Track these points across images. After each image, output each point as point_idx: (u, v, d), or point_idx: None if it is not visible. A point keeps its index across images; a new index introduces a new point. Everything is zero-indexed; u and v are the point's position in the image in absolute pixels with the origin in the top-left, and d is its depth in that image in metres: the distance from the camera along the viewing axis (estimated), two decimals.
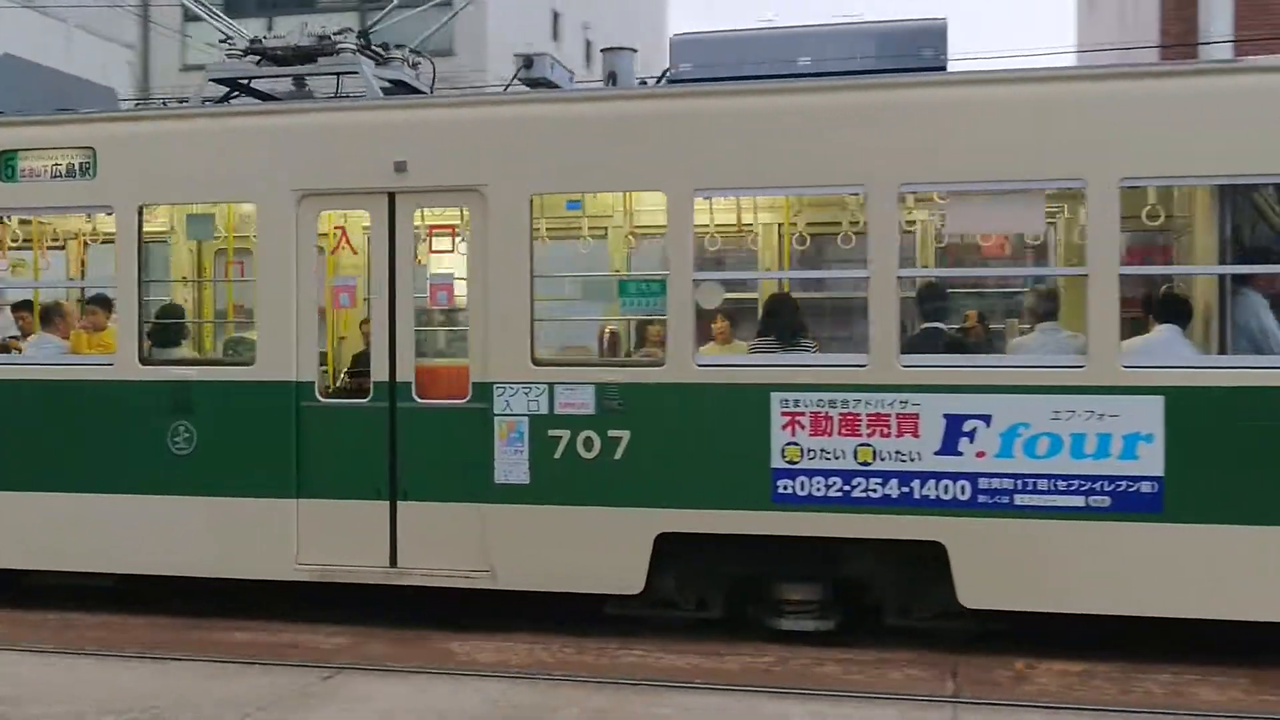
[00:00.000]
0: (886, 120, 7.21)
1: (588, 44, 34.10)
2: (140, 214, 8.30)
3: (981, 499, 7.14)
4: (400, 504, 7.88)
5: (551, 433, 7.61)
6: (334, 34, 8.65)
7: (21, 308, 9.42)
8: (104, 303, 8.94)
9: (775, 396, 7.34)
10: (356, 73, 8.49)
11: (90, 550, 8.29)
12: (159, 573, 8.28)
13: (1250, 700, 6.37)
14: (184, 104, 8.91)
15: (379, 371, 7.95)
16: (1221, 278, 7.30)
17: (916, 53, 7.57)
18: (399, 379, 7.90)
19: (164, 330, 8.79)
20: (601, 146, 7.59)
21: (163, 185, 8.27)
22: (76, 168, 8.33)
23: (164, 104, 9.61)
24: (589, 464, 7.56)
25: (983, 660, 7.14)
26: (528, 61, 8.44)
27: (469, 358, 7.86)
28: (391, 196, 7.89)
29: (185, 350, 9.06)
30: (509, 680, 6.86)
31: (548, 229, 8.23)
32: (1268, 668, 6.82)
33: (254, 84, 8.83)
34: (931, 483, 7.18)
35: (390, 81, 8.46)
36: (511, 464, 7.68)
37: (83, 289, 9.84)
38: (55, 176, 8.37)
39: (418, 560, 7.86)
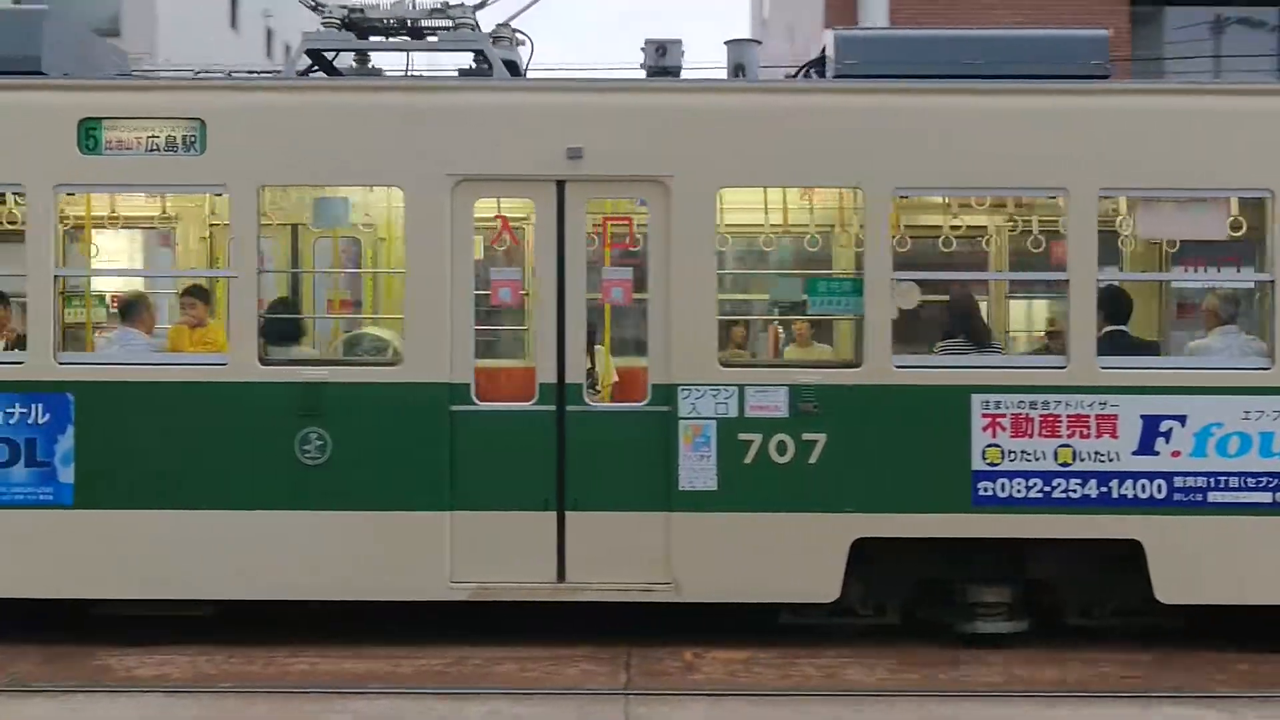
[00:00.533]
0: (1088, 125, 7.30)
1: (269, 32, 33.02)
2: (259, 196, 7.36)
3: (1177, 497, 7.30)
4: (569, 514, 7.37)
5: (742, 436, 7.28)
6: (450, 5, 7.99)
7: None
8: (202, 295, 7.93)
9: (976, 399, 7.30)
10: (481, 50, 7.85)
11: (194, 575, 7.31)
12: (281, 598, 7.40)
13: (893, 679, 6.95)
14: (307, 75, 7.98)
15: (545, 373, 7.38)
16: None
17: (1083, 60, 7.69)
18: (568, 381, 7.36)
19: (279, 327, 7.85)
20: (793, 140, 7.34)
21: (287, 165, 7.41)
22: (180, 141, 7.35)
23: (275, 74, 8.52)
24: (782, 468, 7.29)
25: (655, 651, 7.36)
26: (660, 49, 8.05)
27: (648, 358, 7.41)
28: (561, 185, 7.37)
29: (304, 349, 8.13)
30: (170, 694, 6.63)
31: (728, 225, 7.85)
32: (911, 647, 7.47)
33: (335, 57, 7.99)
34: (1129, 482, 7.29)
35: (498, 64, 7.82)
36: (697, 470, 7.30)
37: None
38: (152, 150, 7.37)
39: (589, 574, 7.38)
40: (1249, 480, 7.33)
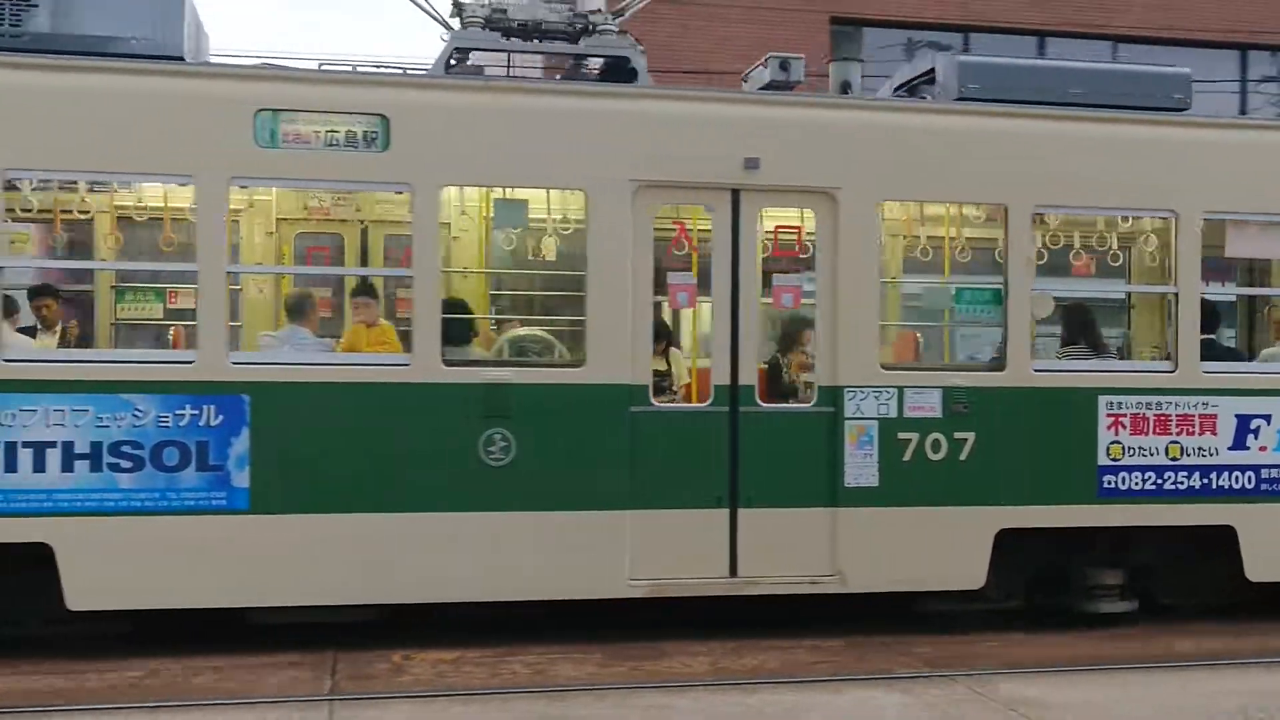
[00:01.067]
0: (1195, 154, 8.15)
1: None
2: (442, 196, 7.34)
3: (1264, 487, 8.25)
4: (741, 511, 7.66)
5: (901, 436, 7.78)
6: (590, 12, 8.15)
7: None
8: (375, 294, 7.75)
9: (1102, 400, 8.02)
10: (626, 57, 8.05)
11: (374, 580, 7.22)
12: (460, 600, 7.39)
13: (603, 673, 7.10)
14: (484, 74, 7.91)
15: (719, 375, 7.66)
16: None
17: (1167, 95, 8.55)
18: (741, 382, 7.66)
19: (457, 328, 7.76)
20: (947, 157, 7.89)
21: (470, 165, 7.40)
22: (361, 137, 7.22)
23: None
24: (936, 465, 7.83)
25: (363, 655, 7.25)
26: (784, 64, 8.44)
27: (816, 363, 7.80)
28: (736, 193, 7.66)
29: (476, 349, 8.03)
30: None
31: (888, 235, 8.29)
32: (618, 642, 7.68)
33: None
34: (1226, 474, 8.19)
35: (643, 71, 8.05)
36: (861, 467, 7.75)
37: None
38: (331, 145, 7.21)
39: (760, 569, 7.69)
40: None
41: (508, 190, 7.77)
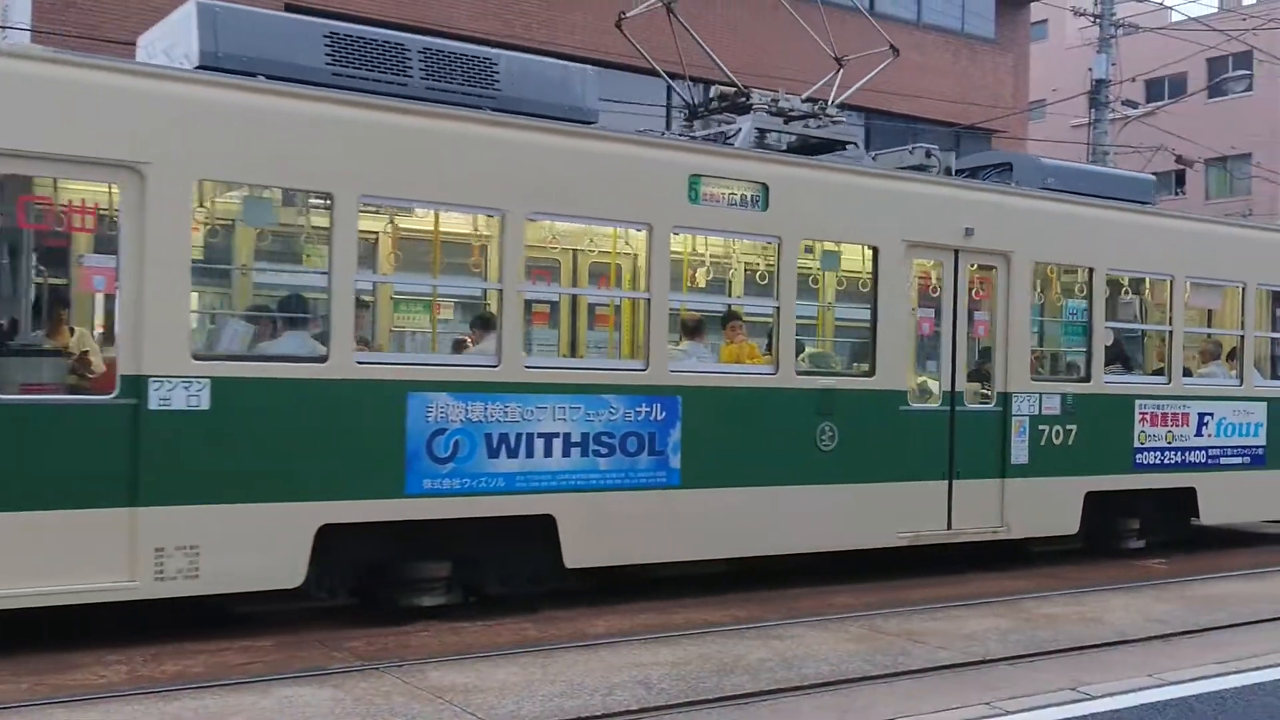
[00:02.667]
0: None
1: None
2: (797, 246, 9.88)
3: (1211, 461, 12.50)
4: (955, 482, 10.74)
5: (1040, 427, 11.21)
6: (829, 103, 10.88)
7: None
8: (742, 320, 9.99)
9: (1137, 403, 11.91)
10: (855, 142, 11.00)
11: (755, 537, 9.73)
12: (801, 551, 10.01)
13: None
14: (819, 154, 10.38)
15: (945, 384, 10.71)
16: None
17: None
18: (957, 389, 10.76)
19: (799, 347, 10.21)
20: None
21: (816, 224, 10.04)
22: (748, 199, 9.59)
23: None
24: (1058, 448, 11.34)
25: None
26: (928, 152, 11.60)
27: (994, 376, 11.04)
28: (957, 252, 10.74)
29: (802, 364, 10.32)
30: None
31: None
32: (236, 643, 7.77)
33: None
34: (1192, 453, 12.34)
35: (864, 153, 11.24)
36: (1019, 449, 11.09)
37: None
38: (731, 204, 9.53)
39: (964, 524, 10.82)
40: (1235, 450, 12.69)
41: (834, 244, 10.33)
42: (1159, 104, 15.95)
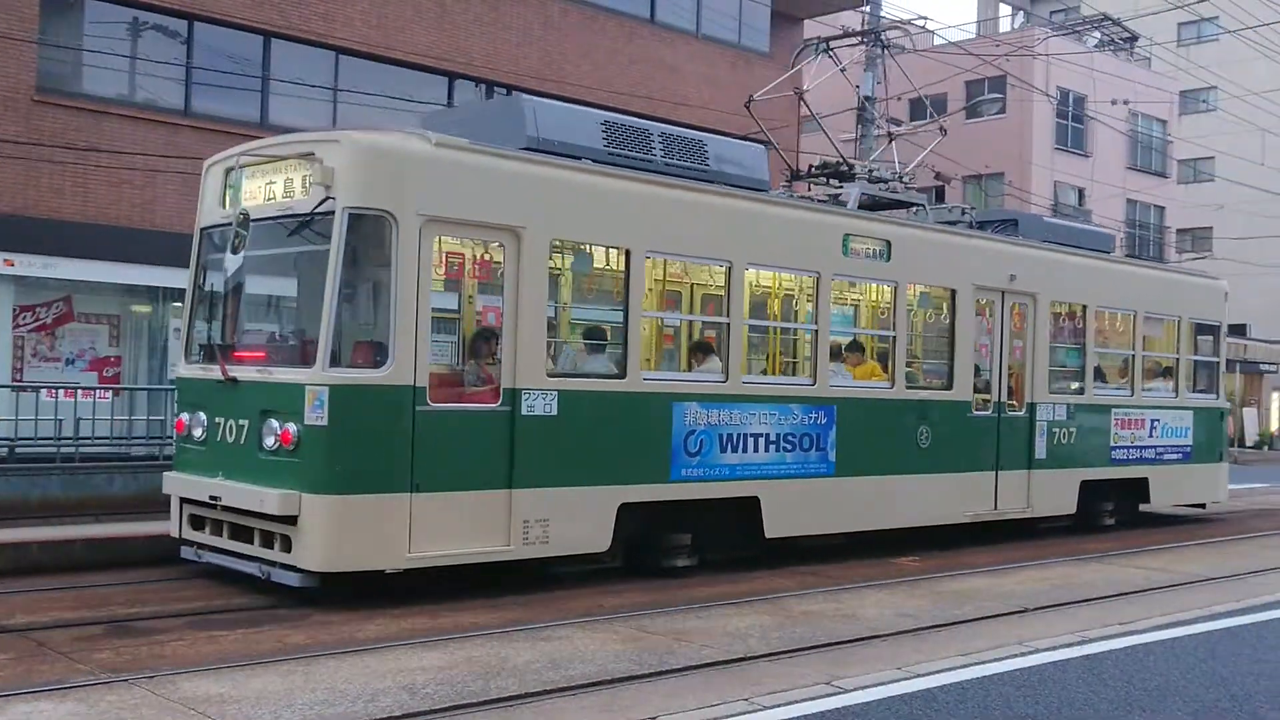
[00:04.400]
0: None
1: None
2: (908, 289, 13.10)
3: (1159, 456, 16.11)
4: (1000, 473, 14.01)
5: (1053, 429, 14.64)
6: (905, 179, 13.90)
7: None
8: (860, 348, 13.22)
9: (1113, 411, 15.54)
10: (923, 205, 14.07)
11: (881, 514, 12.76)
12: (907, 525, 13.08)
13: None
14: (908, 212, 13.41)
15: (995, 394, 13.94)
16: None
17: None
18: (1001, 399, 13.97)
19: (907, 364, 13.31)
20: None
21: (916, 272, 13.16)
22: (878, 252, 12.71)
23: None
24: (1065, 445, 14.85)
25: None
26: (962, 210, 14.73)
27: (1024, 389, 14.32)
28: (1004, 294, 14.15)
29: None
30: None
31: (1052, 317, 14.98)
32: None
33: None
34: (1147, 450, 15.89)
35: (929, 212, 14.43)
36: (1040, 447, 14.49)
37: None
38: (868, 256, 12.64)
39: (1004, 506, 14.12)
40: (1173, 448, 16.32)
41: (927, 287, 13.49)
42: (920, 123, 18.77)
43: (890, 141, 15.72)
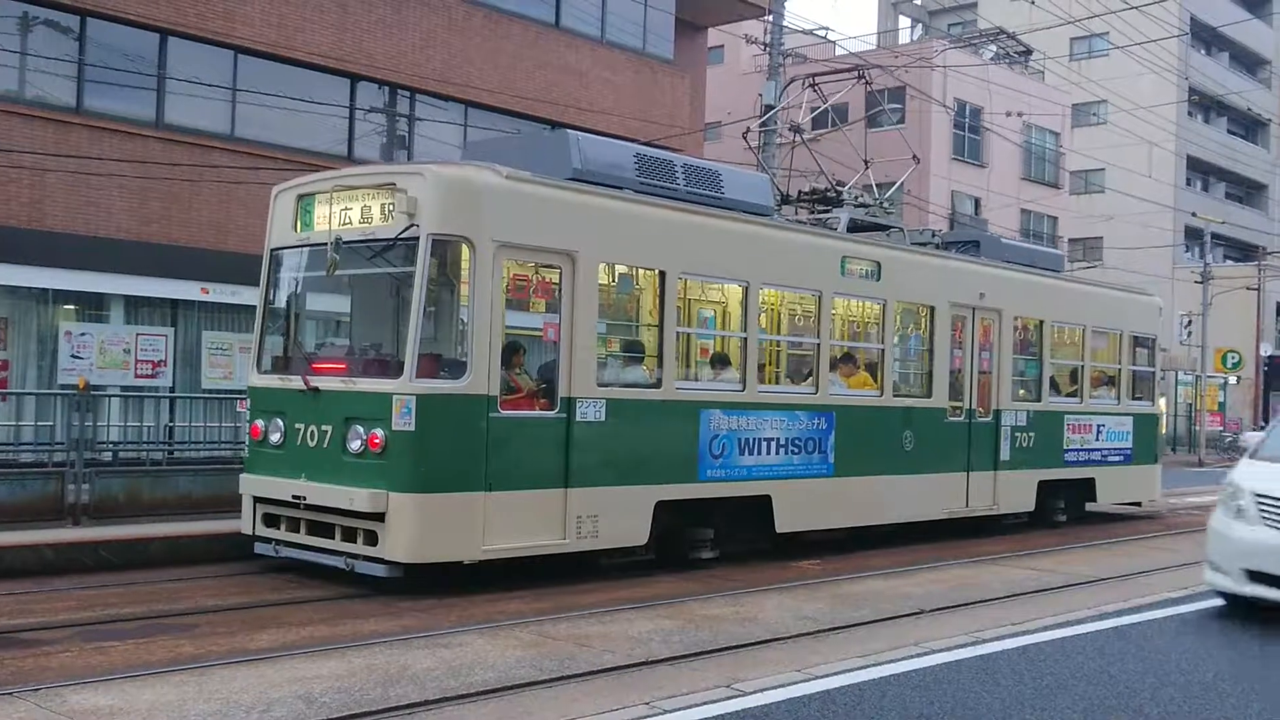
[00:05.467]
0: None
1: None
2: (897, 306, 14.27)
3: (1102, 458, 17.53)
4: (970, 473, 15.07)
5: (1015, 434, 15.83)
6: (885, 204, 15.43)
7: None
8: (852, 359, 14.26)
9: (1065, 417, 16.80)
10: (901, 228, 15.80)
11: (872, 510, 13.85)
12: (890, 522, 14.15)
13: None
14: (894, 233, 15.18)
15: (967, 401, 15.18)
16: None
17: None
18: (971, 406, 15.23)
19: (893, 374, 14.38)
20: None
21: (903, 290, 14.28)
22: (869, 273, 13.85)
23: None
24: (1024, 448, 15.94)
25: None
26: (933, 233, 16.06)
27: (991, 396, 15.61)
28: (974, 310, 15.32)
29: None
30: None
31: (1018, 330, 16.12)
32: None
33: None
34: (1093, 452, 17.31)
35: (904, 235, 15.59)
36: (1005, 449, 15.62)
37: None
38: (860, 276, 13.76)
39: (975, 503, 15.16)
40: (1116, 451, 17.74)
41: (910, 304, 14.58)
42: (822, 130, 19.27)
43: (793, 149, 16.18)
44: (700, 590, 10.80)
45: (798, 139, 16.22)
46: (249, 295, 19.15)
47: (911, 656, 7.98)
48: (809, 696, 6.89)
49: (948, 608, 10.11)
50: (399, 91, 22.15)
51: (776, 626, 9.17)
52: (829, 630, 9.11)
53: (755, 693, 6.94)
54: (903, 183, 16.74)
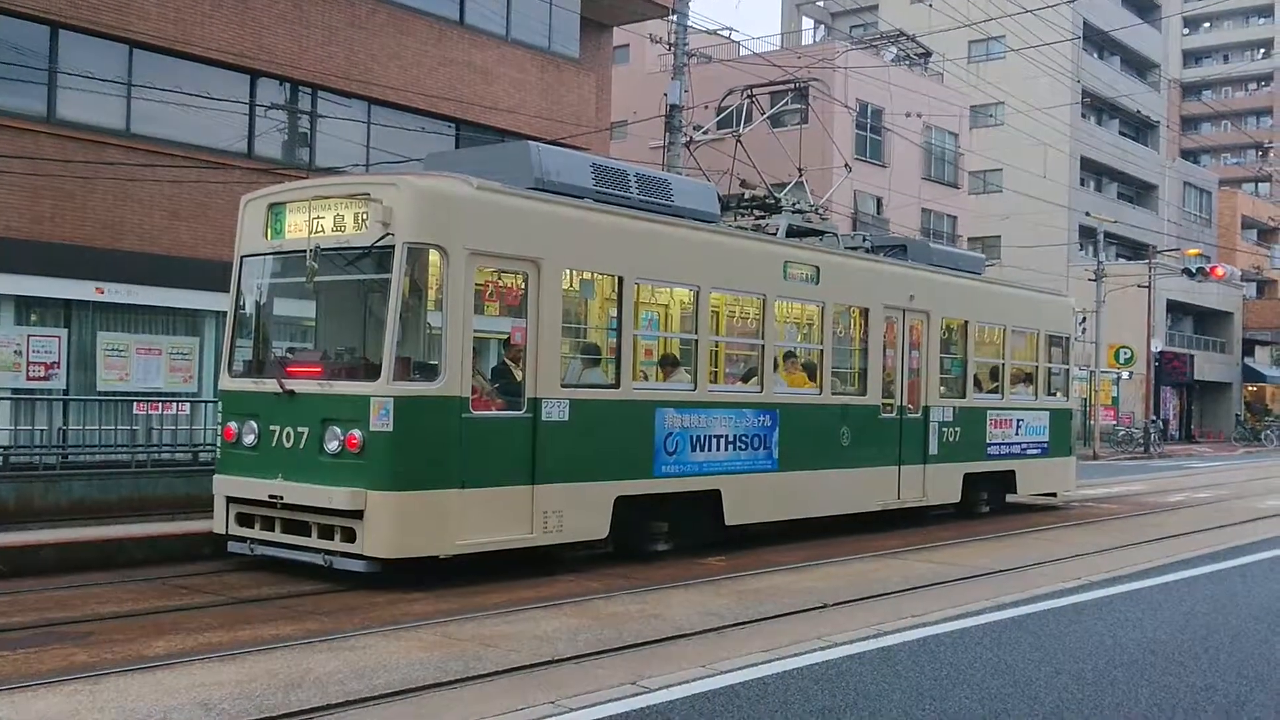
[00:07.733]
0: None
1: None
2: (834, 308, 14.85)
3: (1021, 450, 18.38)
4: (901, 467, 15.72)
5: (942, 429, 16.56)
6: (820, 211, 16.16)
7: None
8: (793, 358, 14.89)
9: (989, 413, 17.58)
10: (835, 234, 16.43)
11: (812, 502, 14.40)
12: (828, 514, 14.72)
13: None
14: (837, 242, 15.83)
15: (898, 399, 15.87)
16: None
17: None
18: (907, 402, 15.89)
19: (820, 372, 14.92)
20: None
21: (842, 294, 14.87)
22: (810, 276, 14.54)
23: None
24: (951, 443, 16.64)
25: None
26: (864, 238, 16.47)
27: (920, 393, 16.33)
28: (904, 311, 16.05)
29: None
30: None
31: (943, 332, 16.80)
32: None
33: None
34: (1013, 446, 18.08)
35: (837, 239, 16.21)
36: (933, 444, 16.35)
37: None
38: (801, 280, 14.39)
39: (906, 495, 15.88)
40: (1034, 445, 18.63)
41: (846, 306, 15.20)
42: (727, 130, 19.52)
43: (695, 147, 16.33)
44: (604, 589, 10.83)
45: (694, 138, 16.65)
46: (145, 295, 19.40)
47: (814, 650, 8.10)
48: (714, 692, 6.96)
49: (849, 601, 10.24)
50: (300, 88, 21.96)
51: (682, 623, 9.24)
52: (734, 626, 9.20)
53: (661, 689, 6.98)
54: (835, 189, 17.28)
